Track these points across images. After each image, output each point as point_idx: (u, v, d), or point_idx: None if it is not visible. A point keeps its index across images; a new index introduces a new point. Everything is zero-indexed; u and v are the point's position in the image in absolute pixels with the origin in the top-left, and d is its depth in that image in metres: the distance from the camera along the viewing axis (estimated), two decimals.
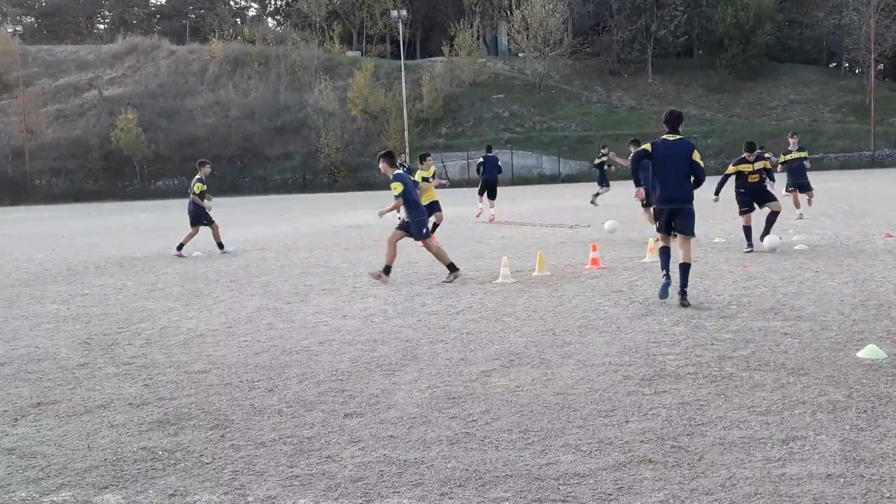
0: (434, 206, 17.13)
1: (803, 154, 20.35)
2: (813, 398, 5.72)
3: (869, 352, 6.75)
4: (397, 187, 12.37)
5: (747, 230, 14.42)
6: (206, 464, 4.96)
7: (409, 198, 12.59)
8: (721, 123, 67.14)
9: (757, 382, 6.17)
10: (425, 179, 17.24)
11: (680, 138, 10.01)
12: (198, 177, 18.14)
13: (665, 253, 10.13)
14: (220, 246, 18.09)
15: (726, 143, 59.63)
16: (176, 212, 39.91)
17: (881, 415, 5.31)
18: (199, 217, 18.08)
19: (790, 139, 20.57)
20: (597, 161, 28.72)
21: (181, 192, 62.84)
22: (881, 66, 74.17)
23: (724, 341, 7.54)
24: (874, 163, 59.71)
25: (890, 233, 15.75)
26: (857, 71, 77.14)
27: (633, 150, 19.13)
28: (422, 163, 17.75)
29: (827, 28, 75.52)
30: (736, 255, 13.70)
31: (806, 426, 5.16)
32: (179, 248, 17.86)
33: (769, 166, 14.62)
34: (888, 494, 4.13)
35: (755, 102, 71.91)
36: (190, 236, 18.17)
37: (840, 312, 8.64)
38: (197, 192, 17.99)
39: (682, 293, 9.67)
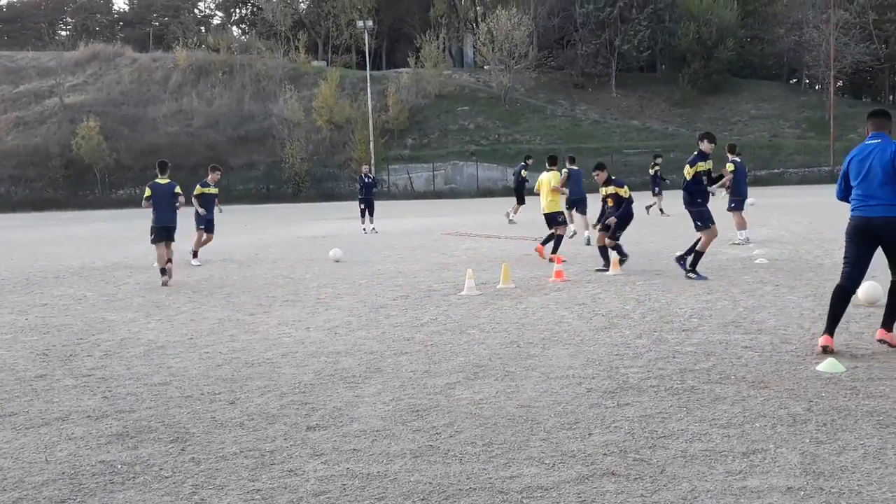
0: (555, 218, 16.06)
1: (729, 168, 17.19)
2: (773, 411, 5.78)
3: (828, 365, 6.84)
4: (147, 191, 14.78)
5: (602, 249, 14.26)
6: (166, 477, 4.89)
7: (156, 203, 14.65)
8: (683, 138, 67.72)
9: (718, 395, 6.22)
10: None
11: (695, 154, 13.03)
12: (204, 181, 18.09)
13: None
14: (194, 254, 17.76)
15: (688, 157, 60.15)
16: (136, 221, 39.48)
17: (840, 428, 5.38)
18: (197, 219, 17.97)
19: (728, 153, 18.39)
20: (651, 171, 28.96)
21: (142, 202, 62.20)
22: (840, 83, 75.41)
23: (686, 354, 7.60)
24: (833, 178, 60.44)
25: None
26: (816, 87, 78.46)
27: (568, 165, 19.15)
28: (552, 166, 16.79)
29: (787, 45, 76.77)
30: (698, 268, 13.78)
31: (766, 439, 5.21)
32: (194, 255, 17.74)
33: (622, 194, 14.11)
34: None
35: (717, 117, 72.69)
36: (202, 241, 18.07)
37: (800, 326, 8.74)
38: (195, 193, 17.90)
39: (683, 253, 13.15)
